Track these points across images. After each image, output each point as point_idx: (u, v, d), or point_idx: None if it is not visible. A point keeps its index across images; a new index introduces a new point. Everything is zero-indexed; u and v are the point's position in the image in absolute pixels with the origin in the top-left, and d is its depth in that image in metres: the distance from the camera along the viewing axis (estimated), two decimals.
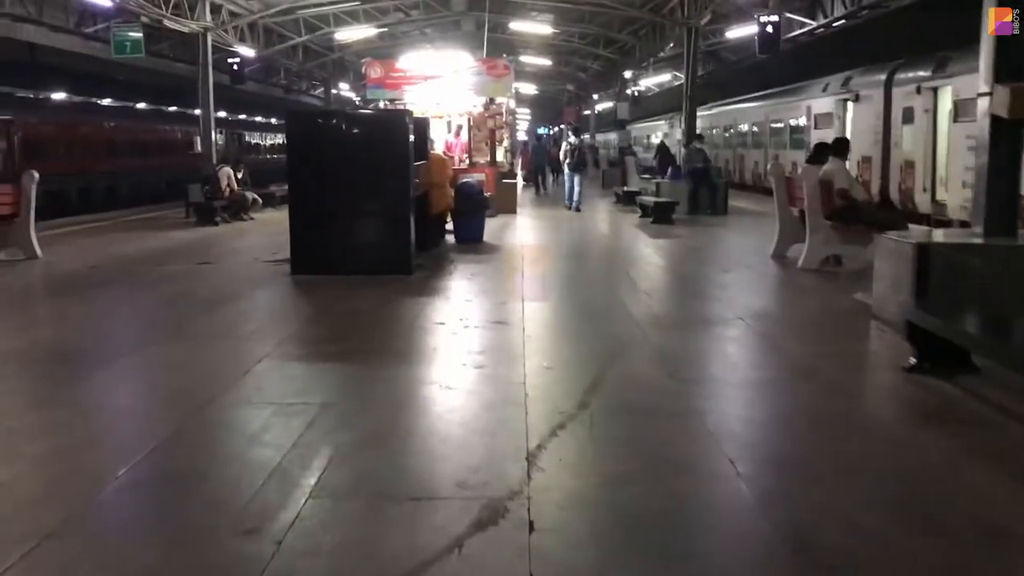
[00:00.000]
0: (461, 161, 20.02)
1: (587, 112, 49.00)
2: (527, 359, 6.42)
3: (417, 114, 19.55)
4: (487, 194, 18.82)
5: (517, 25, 25.64)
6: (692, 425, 4.95)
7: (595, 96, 45.20)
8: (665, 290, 10.20)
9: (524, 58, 35.57)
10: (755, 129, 31.66)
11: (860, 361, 6.67)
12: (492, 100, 19.48)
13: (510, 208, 20.34)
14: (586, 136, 47.34)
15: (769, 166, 11.53)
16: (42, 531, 3.65)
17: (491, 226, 16.96)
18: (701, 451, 4.58)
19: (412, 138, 10.96)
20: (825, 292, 9.57)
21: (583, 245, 14.40)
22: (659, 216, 17.50)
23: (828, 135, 24.62)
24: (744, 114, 33.16)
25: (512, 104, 21.34)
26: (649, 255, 13.06)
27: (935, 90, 18.35)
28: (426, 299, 9.15)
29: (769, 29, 20.65)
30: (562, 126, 48.11)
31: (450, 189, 14.35)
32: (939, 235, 7.69)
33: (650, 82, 42.77)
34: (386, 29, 25.55)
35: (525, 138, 48.43)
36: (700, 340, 7.35)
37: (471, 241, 14.29)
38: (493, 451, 4.59)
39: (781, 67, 31.39)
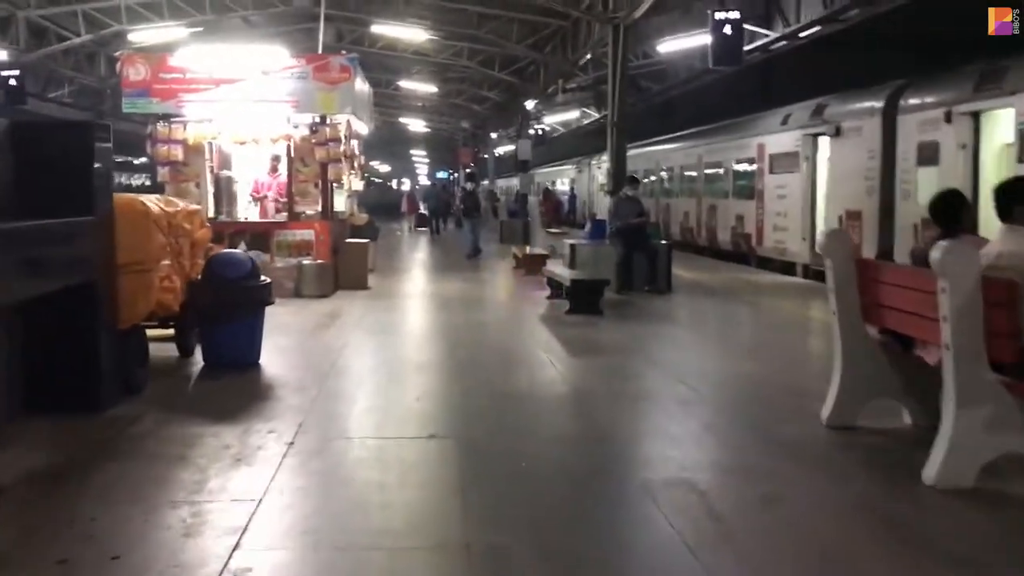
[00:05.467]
0: (278, 211, 13.14)
1: (486, 156, 42.66)
2: None
3: (203, 138, 12.86)
4: (310, 262, 12.10)
5: (382, 29, 19.10)
6: None
7: (493, 135, 38.92)
8: None
9: (405, 83, 28.98)
10: (685, 174, 25.70)
11: None
12: (324, 119, 12.69)
13: (357, 282, 13.51)
14: (486, 182, 41.15)
15: (821, 237, 4.67)
16: None
17: (312, 317, 10.32)
18: None
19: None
20: None
21: (454, 381, 7.61)
22: (579, 304, 10.95)
23: (792, 181, 18.77)
24: (669, 156, 27.21)
25: (361, 127, 14.54)
26: (573, 421, 6.37)
27: (977, 116, 12.47)
28: None
29: (727, 31, 14.53)
30: (455, 174, 44.98)
31: (186, 268, 7.50)
32: None
33: (556, 119, 36.80)
34: (200, 29, 18.61)
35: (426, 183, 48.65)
36: None
37: (233, 367, 7.41)
38: None
39: (719, 96, 25.73)
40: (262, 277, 7.83)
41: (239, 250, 12.28)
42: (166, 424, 5.79)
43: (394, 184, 78.40)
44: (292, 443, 5.34)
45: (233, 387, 6.88)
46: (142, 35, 18.11)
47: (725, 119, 23.55)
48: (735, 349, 9.06)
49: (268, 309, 7.97)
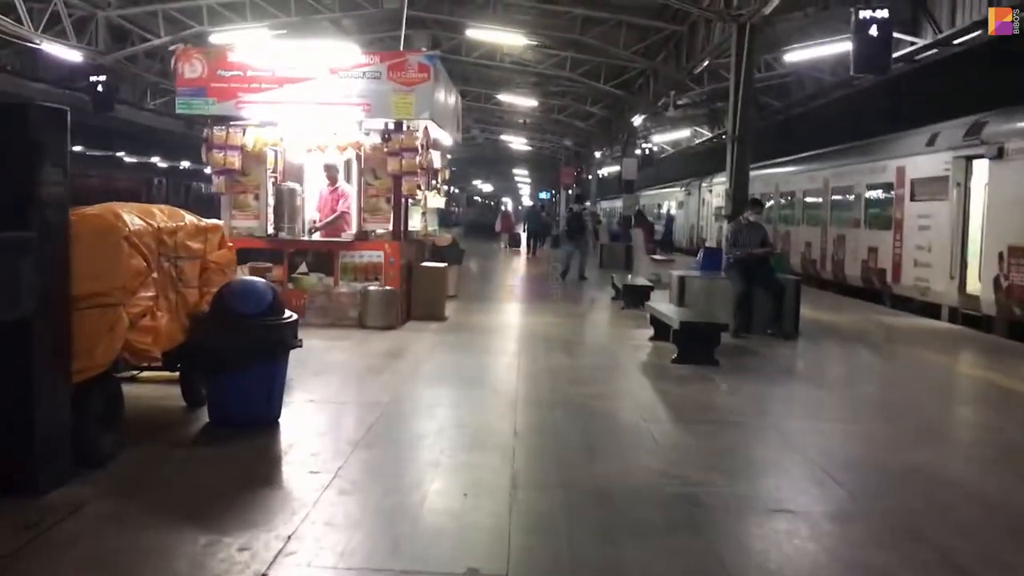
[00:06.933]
0: (312, 229, 11.57)
1: (589, 176, 40.75)
2: None
3: (263, 144, 11.42)
4: (376, 288, 10.58)
5: (478, 34, 17.61)
6: None
7: (597, 154, 37.04)
8: None
9: (505, 96, 27.44)
10: (807, 200, 23.26)
11: None
12: (400, 126, 11.10)
13: (432, 311, 11.88)
14: (588, 203, 39.35)
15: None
16: None
17: (366, 356, 8.70)
18: None
19: None
20: None
21: (521, 462, 5.76)
22: (689, 352, 8.99)
23: (938, 209, 16.27)
24: (790, 179, 24.79)
25: (444, 136, 12.92)
26: (684, 551, 4.40)
27: None
28: None
29: (873, 32, 12.32)
30: (556, 194, 43.92)
31: (190, 300, 5.94)
32: None
33: (665, 139, 34.65)
34: (283, 32, 17.43)
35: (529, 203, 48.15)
36: None
37: (244, 427, 5.80)
38: None
39: (846, 114, 23.25)
40: (287, 313, 6.16)
41: (311, 273, 11.02)
42: (108, 524, 4.15)
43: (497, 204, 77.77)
44: (265, 575, 3.60)
45: (228, 461, 5.23)
46: (223, 37, 17.07)
47: (851, 140, 21.14)
48: (896, 425, 6.91)
49: (317, 345, 6.48)
